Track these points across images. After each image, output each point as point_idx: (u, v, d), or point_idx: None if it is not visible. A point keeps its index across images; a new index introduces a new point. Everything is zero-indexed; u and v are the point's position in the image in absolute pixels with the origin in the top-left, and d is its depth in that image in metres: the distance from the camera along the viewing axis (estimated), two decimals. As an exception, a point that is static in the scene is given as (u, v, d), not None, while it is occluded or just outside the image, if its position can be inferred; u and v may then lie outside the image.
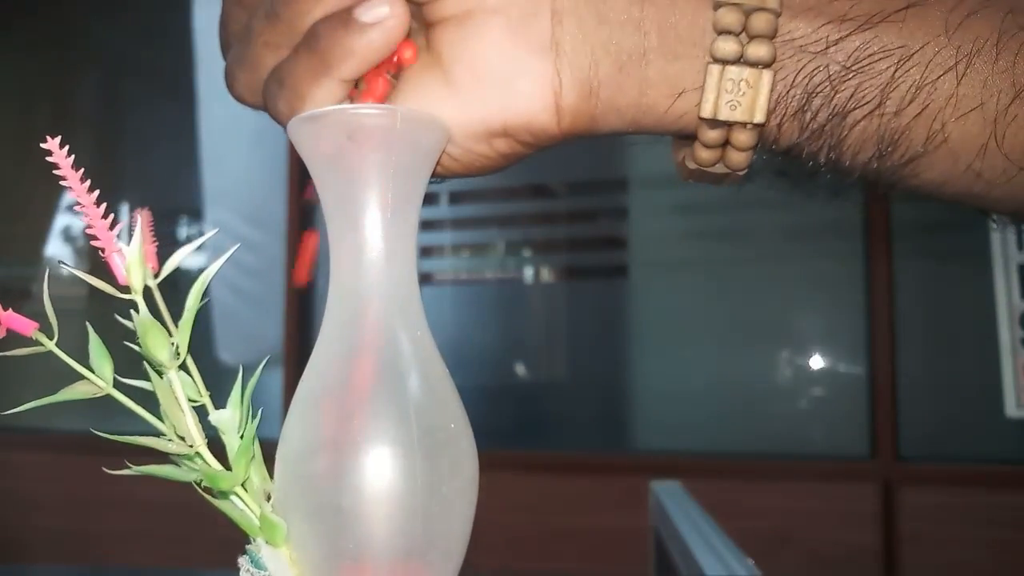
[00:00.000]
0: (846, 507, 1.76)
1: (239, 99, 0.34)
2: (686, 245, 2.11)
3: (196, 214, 2.44)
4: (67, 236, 2.55)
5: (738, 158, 0.32)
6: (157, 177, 2.51)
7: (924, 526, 1.71)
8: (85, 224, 0.28)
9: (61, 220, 2.54)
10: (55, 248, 2.56)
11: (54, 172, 0.28)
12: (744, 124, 0.30)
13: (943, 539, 1.69)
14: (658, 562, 0.97)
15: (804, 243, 2.02)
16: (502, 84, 0.30)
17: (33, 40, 2.60)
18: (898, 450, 1.79)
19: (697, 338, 2.04)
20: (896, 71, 0.30)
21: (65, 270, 0.30)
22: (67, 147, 0.28)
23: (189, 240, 0.30)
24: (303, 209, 2.24)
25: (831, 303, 1.95)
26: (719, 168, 0.33)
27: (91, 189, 0.28)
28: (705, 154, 0.32)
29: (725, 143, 0.31)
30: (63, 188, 0.28)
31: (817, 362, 1.93)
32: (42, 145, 0.28)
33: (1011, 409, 1.35)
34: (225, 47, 0.34)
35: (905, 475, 1.77)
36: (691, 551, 0.74)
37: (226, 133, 2.45)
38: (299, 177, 2.22)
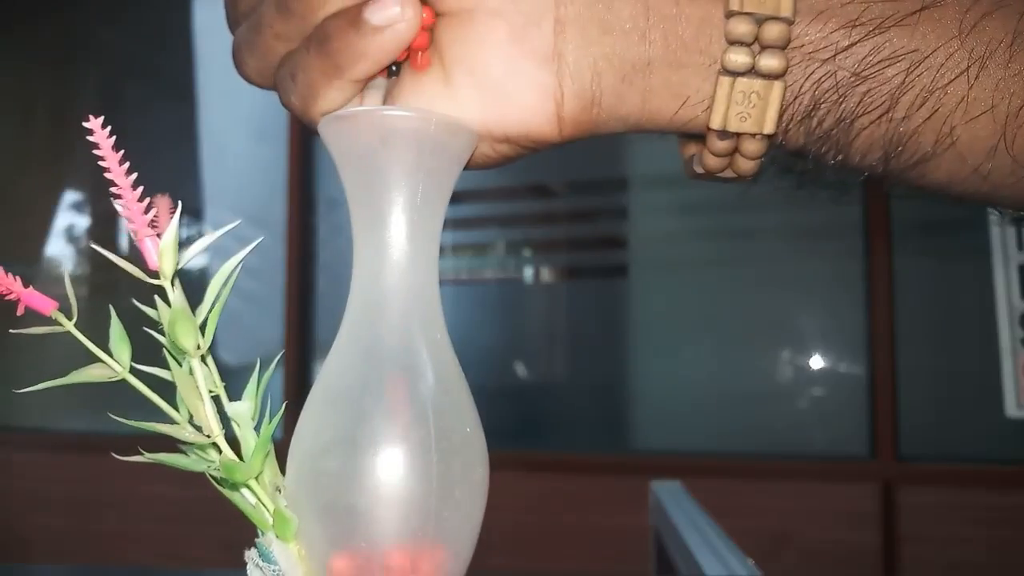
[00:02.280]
0: (846, 507, 1.76)
1: (247, 80, 0.33)
2: (686, 245, 2.10)
3: (196, 214, 2.45)
4: (69, 236, 2.55)
5: (747, 166, 0.31)
6: (157, 177, 2.50)
7: (924, 526, 1.71)
8: (120, 206, 0.28)
9: (61, 220, 2.54)
10: (55, 248, 2.56)
11: (93, 152, 0.27)
12: (753, 135, 0.30)
13: (943, 539, 1.69)
14: (658, 562, 0.97)
15: (804, 243, 2.02)
16: (502, 93, 0.30)
17: (34, 41, 2.60)
18: (898, 450, 1.79)
19: (697, 338, 2.03)
20: (907, 77, 0.29)
21: (98, 251, 0.30)
22: (108, 128, 0.28)
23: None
24: (303, 209, 2.24)
25: (831, 303, 1.95)
26: (727, 173, 0.32)
27: (127, 173, 0.28)
28: (714, 162, 0.32)
29: (734, 151, 0.31)
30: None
31: (817, 362, 1.93)
32: (84, 124, 0.27)
33: (1011, 409, 1.35)
34: (232, 23, 0.33)
35: (905, 475, 1.76)
36: (691, 551, 0.74)
37: (226, 133, 2.45)
38: (299, 177, 2.22)
